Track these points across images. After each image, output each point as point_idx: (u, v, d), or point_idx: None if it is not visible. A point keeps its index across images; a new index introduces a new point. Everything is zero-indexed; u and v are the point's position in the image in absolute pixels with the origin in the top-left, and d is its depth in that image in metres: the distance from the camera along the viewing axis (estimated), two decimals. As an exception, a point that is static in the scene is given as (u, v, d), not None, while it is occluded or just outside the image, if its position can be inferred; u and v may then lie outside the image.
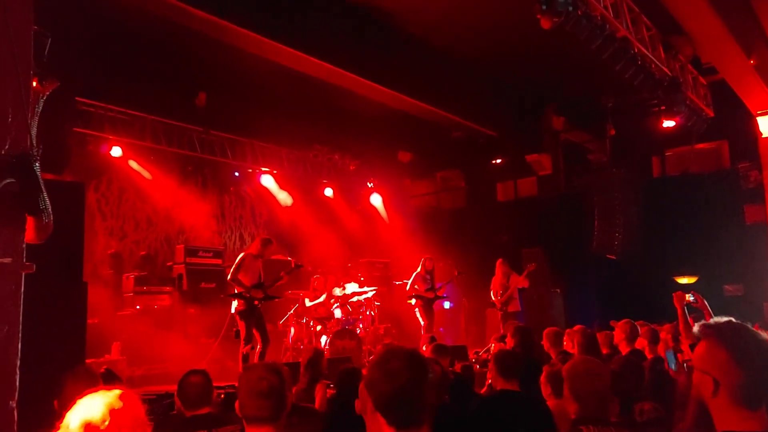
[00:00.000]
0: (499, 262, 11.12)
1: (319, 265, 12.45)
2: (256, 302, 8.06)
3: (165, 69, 9.99)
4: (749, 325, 1.95)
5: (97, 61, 8.42)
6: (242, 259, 8.21)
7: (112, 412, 1.80)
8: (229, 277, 8.21)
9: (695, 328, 2.03)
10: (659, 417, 4.07)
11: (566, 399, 3.10)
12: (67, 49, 5.99)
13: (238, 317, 8.07)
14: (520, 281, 10.81)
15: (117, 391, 1.90)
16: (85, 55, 6.43)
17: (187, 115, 11.53)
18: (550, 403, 4.06)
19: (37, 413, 2.97)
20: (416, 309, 10.68)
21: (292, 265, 8.88)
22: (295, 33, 8.44)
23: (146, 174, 11.68)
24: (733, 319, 2.01)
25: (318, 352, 5.75)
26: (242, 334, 7.99)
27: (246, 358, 7.80)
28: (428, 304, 10.62)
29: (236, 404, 2.56)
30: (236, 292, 8.12)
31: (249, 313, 8.03)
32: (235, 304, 8.11)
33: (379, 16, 9.40)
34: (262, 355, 8.00)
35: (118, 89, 10.31)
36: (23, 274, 2.18)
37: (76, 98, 9.22)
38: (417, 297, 10.57)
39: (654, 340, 5.97)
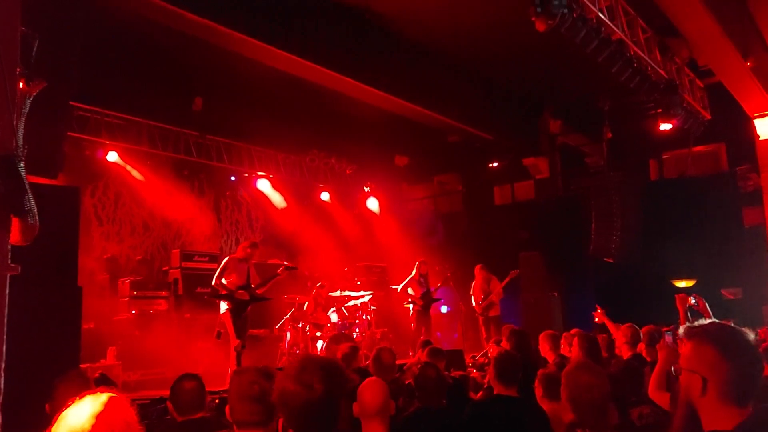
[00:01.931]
0: (477, 268, 11.21)
1: (315, 270, 12.40)
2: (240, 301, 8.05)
3: (161, 74, 9.97)
4: (750, 330, 1.95)
5: (94, 66, 8.36)
6: (225, 263, 8.20)
7: (98, 419, 1.75)
8: (213, 282, 8.18)
9: (680, 331, 2.05)
10: (658, 421, 4.03)
11: (563, 405, 3.07)
12: (63, 53, 5.98)
13: (226, 315, 8.05)
14: (499, 288, 10.83)
15: (105, 397, 1.85)
16: (81, 59, 6.39)
17: (184, 119, 11.53)
18: (543, 405, 4.02)
19: (31, 417, 2.95)
20: (411, 315, 10.67)
21: (283, 267, 8.73)
22: (291, 37, 8.41)
23: (142, 178, 11.65)
24: (716, 320, 2.05)
25: (354, 348, 5.68)
26: (230, 332, 7.96)
27: (239, 355, 7.77)
28: (424, 310, 10.57)
29: (227, 408, 2.53)
30: (222, 293, 8.10)
31: (236, 313, 8.01)
32: (224, 306, 8.09)
33: (375, 19, 9.39)
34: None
35: (114, 94, 10.30)
36: (8, 275, 2.15)
37: (73, 103, 9.20)
38: (412, 303, 10.55)
39: (652, 342, 5.93)
